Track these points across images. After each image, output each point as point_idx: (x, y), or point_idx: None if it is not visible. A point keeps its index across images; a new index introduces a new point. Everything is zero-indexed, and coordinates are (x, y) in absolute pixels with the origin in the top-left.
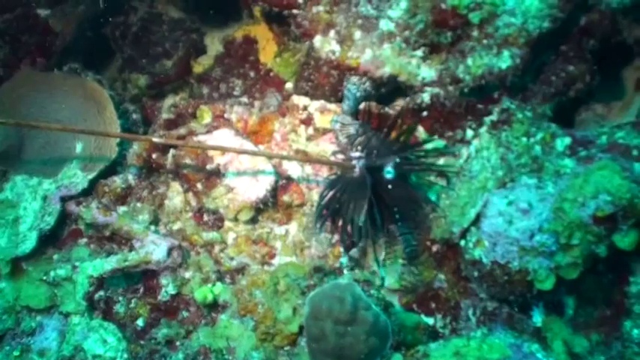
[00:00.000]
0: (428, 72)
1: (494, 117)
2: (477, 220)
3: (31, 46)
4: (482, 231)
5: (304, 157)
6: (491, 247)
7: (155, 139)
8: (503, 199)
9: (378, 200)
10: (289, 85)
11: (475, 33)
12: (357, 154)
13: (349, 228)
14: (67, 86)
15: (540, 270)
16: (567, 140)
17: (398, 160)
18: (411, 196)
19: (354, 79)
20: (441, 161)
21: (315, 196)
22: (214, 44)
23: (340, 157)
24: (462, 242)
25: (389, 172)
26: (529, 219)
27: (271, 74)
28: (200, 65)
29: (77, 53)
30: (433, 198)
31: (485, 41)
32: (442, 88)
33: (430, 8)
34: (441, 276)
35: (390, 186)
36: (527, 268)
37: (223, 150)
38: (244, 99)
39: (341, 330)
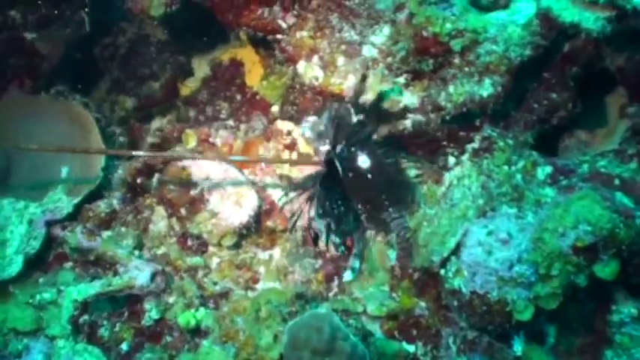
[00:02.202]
0: (410, 99)
1: (475, 144)
2: (457, 250)
3: (18, 69)
4: (461, 260)
5: (261, 159)
6: (470, 277)
7: (135, 152)
8: (483, 229)
9: (357, 190)
10: (275, 109)
11: (457, 60)
12: (325, 147)
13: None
14: (53, 110)
15: (519, 301)
16: (548, 169)
17: (372, 146)
18: (395, 179)
19: (335, 105)
20: (424, 188)
21: (299, 222)
22: (202, 66)
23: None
24: (442, 271)
25: (364, 160)
26: (508, 249)
27: (257, 97)
28: (187, 88)
29: (65, 75)
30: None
31: (466, 69)
32: (424, 115)
33: (412, 35)
34: (422, 303)
35: (369, 175)
36: (506, 298)
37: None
38: (230, 122)
39: None
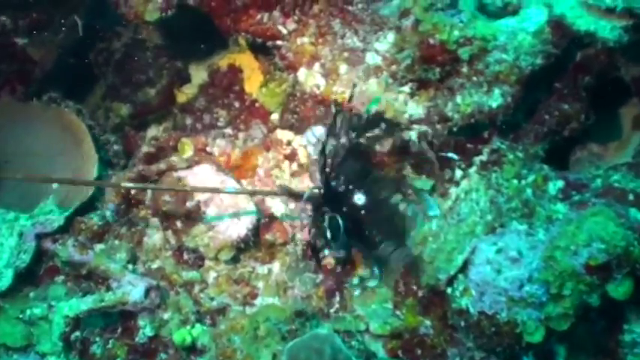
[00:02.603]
0: (415, 109)
1: (483, 157)
2: (464, 268)
3: (9, 75)
4: (469, 279)
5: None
6: (478, 297)
7: (125, 184)
8: (492, 247)
9: (352, 225)
10: (275, 117)
11: (465, 69)
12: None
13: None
14: (44, 117)
15: (529, 322)
16: (560, 183)
17: (368, 186)
18: (388, 214)
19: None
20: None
21: (299, 234)
22: (199, 72)
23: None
24: (449, 290)
25: (359, 198)
26: (519, 268)
27: (256, 105)
28: (184, 94)
29: (58, 81)
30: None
31: (475, 78)
32: (430, 127)
33: (418, 43)
34: (427, 322)
35: (362, 211)
36: (515, 319)
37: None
38: (229, 130)
39: None
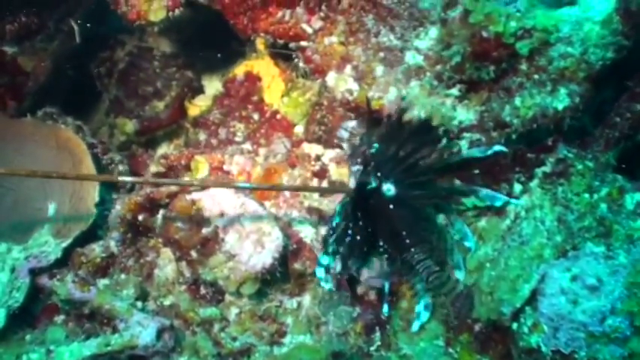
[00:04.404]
0: (466, 114)
1: (547, 168)
2: (532, 299)
3: None
4: (540, 312)
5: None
6: (551, 333)
7: (122, 178)
8: (566, 273)
9: (380, 225)
10: (299, 129)
11: (524, 66)
12: (356, 167)
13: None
14: (37, 135)
15: None
16: (638, 196)
17: (402, 175)
18: (420, 214)
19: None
20: (483, 222)
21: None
22: (213, 82)
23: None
24: (515, 325)
25: (389, 189)
26: (598, 298)
27: (278, 116)
28: (196, 107)
29: (55, 95)
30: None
31: (536, 76)
32: (484, 134)
33: (468, 37)
34: None
35: (391, 205)
36: (597, 358)
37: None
38: (247, 146)
39: None
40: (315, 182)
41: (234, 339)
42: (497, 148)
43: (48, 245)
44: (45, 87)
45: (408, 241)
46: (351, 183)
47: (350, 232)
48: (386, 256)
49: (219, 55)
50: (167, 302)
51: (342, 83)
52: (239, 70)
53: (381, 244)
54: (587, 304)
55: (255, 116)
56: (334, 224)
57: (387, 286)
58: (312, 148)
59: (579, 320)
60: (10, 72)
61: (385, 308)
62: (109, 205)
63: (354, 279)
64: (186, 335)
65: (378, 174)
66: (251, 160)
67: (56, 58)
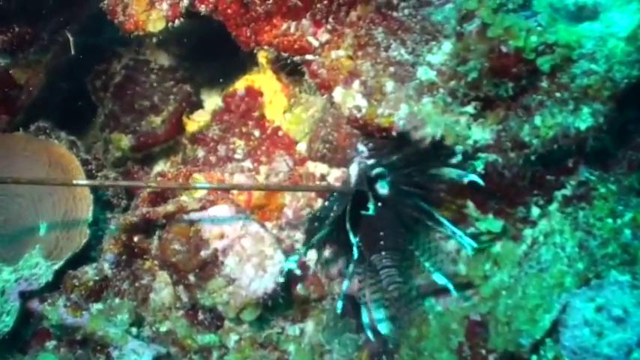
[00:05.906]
0: (481, 134)
1: (567, 191)
2: (553, 330)
3: None
4: (562, 345)
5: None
6: None
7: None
8: (590, 304)
9: (364, 220)
10: (302, 147)
11: (544, 84)
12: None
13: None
14: (29, 151)
15: None
16: None
17: (399, 174)
18: (404, 222)
19: None
20: (497, 247)
21: (337, 287)
22: (212, 97)
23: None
24: (534, 358)
25: (382, 186)
26: (624, 330)
27: (280, 133)
28: (195, 122)
29: (49, 108)
30: None
31: (558, 94)
32: (501, 155)
33: (486, 51)
34: None
35: (380, 204)
36: None
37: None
38: (247, 164)
39: None
40: (319, 203)
41: None
42: (472, 177)
43: (39, 267)
44: (38, 100)
45: (382, 242)
46: (352, 176)
47: (334, 222)
48: (356, 253)
49: (218, 68)
50: (163, 328)
51: (350, 99)
52: (239, 85)
53: (358, 239)
54: (612, 336)
55: (256, 133)
56: (319, 214)
57: (345, 285)
58: (316, 167)
59: (605, 354)
60: (2, 84)
61: (339, 305)
62: (103, 225)
63: (358, 305)
64: None
65: (377, 171)
66: (251, 178)
67: (50, 70)
